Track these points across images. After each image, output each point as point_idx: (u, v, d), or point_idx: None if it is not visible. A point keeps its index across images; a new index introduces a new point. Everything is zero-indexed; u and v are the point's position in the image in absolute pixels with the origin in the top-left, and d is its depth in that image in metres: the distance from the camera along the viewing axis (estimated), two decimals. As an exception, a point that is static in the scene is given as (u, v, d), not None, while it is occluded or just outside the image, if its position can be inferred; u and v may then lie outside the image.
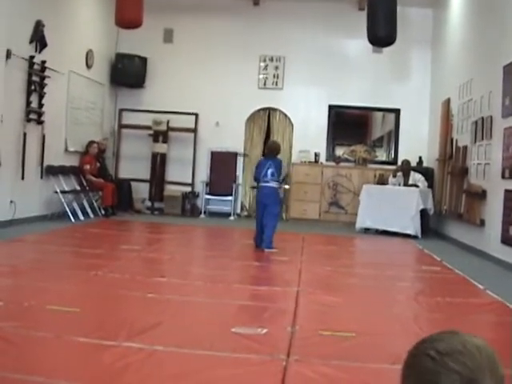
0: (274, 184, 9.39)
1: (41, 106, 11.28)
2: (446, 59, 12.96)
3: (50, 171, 11.81)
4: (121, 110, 15.24)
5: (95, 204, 13.16)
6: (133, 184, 14.70)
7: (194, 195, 14.80)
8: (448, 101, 12.36)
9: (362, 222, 12.57)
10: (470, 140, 10.68)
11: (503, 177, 8.86)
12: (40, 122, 11.30)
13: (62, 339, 4.05)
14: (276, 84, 14.93)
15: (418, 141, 14.22)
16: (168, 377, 3.47)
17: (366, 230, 12.60)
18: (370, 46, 11.73)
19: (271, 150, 9.80)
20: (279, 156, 9.92)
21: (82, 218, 12.10)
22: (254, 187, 13.48)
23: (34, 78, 11.03)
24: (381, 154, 15.38)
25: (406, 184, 12.53)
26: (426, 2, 14.04)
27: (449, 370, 1.33)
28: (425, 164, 13.80)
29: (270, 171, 9.36)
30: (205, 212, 14.70)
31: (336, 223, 13.83)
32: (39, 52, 11.08)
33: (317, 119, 14.84)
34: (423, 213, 12.07)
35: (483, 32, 10.29)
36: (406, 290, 6.75)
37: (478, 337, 1.41)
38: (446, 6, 13.00)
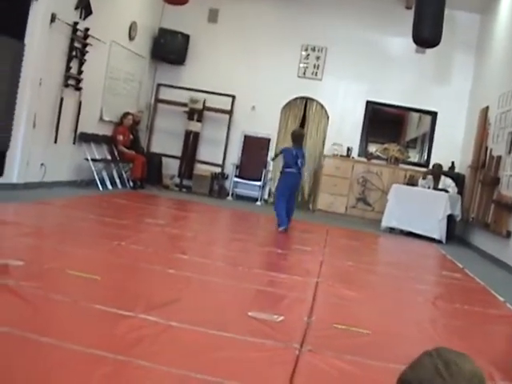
0: (298, 171, 9.97)
1: (80, 72, 11.34)
2: (489, 67, 12.82)
3: (83, 138, 11.88)
4: (159, 85, 15.28)
5: (124, 175, 13.24)
6: (163, 159, 14.80)
7: (223, 177, 14.82)
8: (486, 109, 12.22)
9: (387, 220, 12.50)
10: (504, 150, 10.56)
11: (535, 190, 8.78)
12: (78, 89, 11.37)
13: (79, 304, 4.08)
14: (316, 74, 14.86)
15: (451, 146, 14.10)
16: (181, 353, 3.47)
17: (391, 230, 12.53)
18: (414, 45, 11.62)
19: (299, 139, 10.26)
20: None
21: (110, 187, 12.20)
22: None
23: (76, 45, 11.10)
24: (413, 155, 15.28)
25: (435, 188, 12.43)
26: (475, 7, 13.84)
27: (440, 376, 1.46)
28: (457, 170, 13.69)
29: (299, 161, 9.87)
30: (232, 194, 14.74)
31: (362, 219, 13.79)
32: (83, 19, 11.14)
33: (353, 113, 14.76)
34: (450, 218, 11.99)
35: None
36: (425, 293, 6.70)
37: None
38: (495, 14, 12.83)
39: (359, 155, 14.67)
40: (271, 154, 14.49)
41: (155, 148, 15.18)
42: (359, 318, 5.03)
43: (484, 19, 13.88)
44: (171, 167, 14.96)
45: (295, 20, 14.69)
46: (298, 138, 10.19)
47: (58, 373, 2.99)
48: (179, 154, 15.01)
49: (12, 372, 2.90)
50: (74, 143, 11.65)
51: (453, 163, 13.77)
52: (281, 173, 10.41)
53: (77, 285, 4.65)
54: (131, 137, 13.44)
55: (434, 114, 14.65)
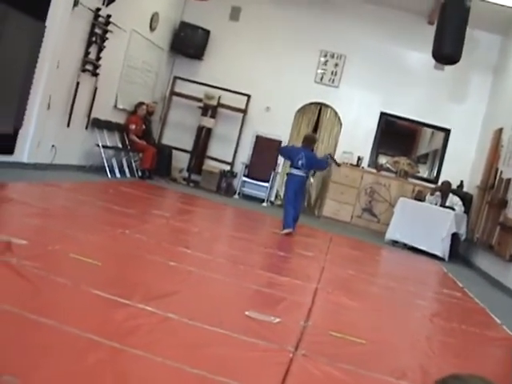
0: (302, 173, 9.91)
1: (98, 58, 11.37)
2: (506, 88, 12.78)
3: (96, 124, 11.89)
4: (175, 78, 15.30)
5: (133, 164, 13.24)
6: (174, 152, 14.80)
7: (232, 175, 14.83)
8: (500, 130, 12.19)
9: (392, 233, 12.48)
10: (515, 173, 10.55)
11: (541, 216, 8.75)
12: (95, 74, 11.39)
13: (79, 288, 4.08)
14: (333, 81, 14.86)
15: (462, 164, 14.07)
16: (175, 345, 3.47)
17: (395, 243, 12.50)
18: (433, 61, 11.60)
19: (309, 142, 10.31)
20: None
21: (118, 175, 12.22)
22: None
23: (97, 31, 11.13)
24: (423, 171, 15.27)
25: (442, 205, 12.40)
26: (497, 28, 13.77)
27: None
28: (465, 189, 13.65)
29: (300, 162, 9.86)
30: (239, 193, 14.73)
31: (366, 230, 13.77)
32: (106, 6, 11.18)
33: (366, 123, 14.75)
34: (454, 237, 11.96)
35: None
36: (423, 309, 6.69)
37: None
38: (517, 36, 12.82)
39: (369, 165, 14.66)
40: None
41: (166, 140, 15.20)
42: (356, 328, 5.02)
43: (505, 41, 13.84)
44: (181, 161, 14.98)
45: (316, 25, 14.69)
46: (309, 141, 10.23)
47: (53, 353, 3.00)
48: (190, 148, 15.05)
49: (7, 350, 2.91)
50: (86, 128, 11.67)
51: (462, 182, 13.75)
52: (287, 174, 10.44)
53: (78, 269, 4.67)
54: (144, 127, 13.45)
55: (447, 131, 14.63)
